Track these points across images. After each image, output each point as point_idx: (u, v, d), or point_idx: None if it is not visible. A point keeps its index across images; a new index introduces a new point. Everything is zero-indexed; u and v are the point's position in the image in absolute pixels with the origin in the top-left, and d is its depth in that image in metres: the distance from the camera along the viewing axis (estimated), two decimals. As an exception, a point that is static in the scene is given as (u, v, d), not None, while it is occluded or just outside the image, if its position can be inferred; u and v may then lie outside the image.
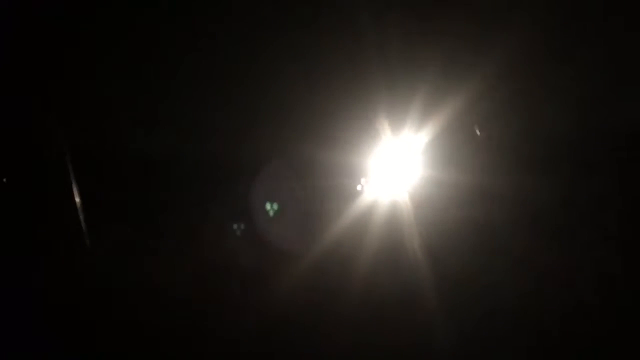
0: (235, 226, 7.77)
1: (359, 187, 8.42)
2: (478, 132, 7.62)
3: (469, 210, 7.84)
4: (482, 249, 7.49)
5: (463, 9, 7.29)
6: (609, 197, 7.55)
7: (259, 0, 7.72)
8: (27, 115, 7.01)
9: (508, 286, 6.97)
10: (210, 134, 7.70)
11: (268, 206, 7.99)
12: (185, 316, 6.61)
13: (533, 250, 7.18)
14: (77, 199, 7.04)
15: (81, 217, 6.99)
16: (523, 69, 7.67)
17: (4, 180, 6.99)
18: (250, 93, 7.98)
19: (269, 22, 7.82)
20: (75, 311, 6.41)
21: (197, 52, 7.46)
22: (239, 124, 7.75)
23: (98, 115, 7.31)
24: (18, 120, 7.02)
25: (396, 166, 8.21)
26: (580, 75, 7.53)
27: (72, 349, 6.15)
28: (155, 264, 6.93)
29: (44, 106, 7.06)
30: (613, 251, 7.18)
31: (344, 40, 7.78)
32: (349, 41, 7.77)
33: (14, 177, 7.19)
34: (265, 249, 7.55)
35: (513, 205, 7.77)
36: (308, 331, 6.59)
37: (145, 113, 7.46)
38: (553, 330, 6.43)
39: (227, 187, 7.94)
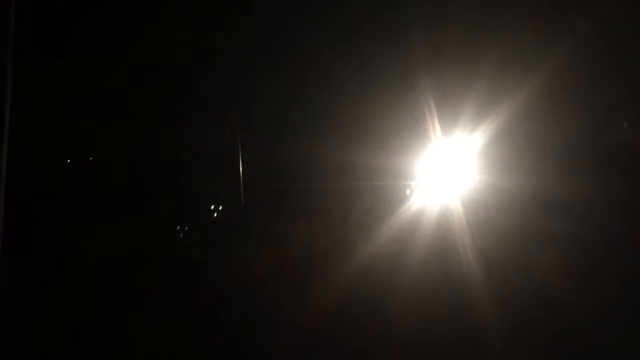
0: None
1: (408, 191, 8.23)
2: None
3: (525, 217, 7.56)
4: (539, 256, 7.21)
5: (520, 7, 7.12)
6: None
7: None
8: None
9: (564, 294, 6.69)
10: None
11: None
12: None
13: (591, 258, 6.87)
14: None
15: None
16: (585, 72, 7.42)
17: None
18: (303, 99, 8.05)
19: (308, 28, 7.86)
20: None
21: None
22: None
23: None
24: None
25: (448, 170, 8.01)
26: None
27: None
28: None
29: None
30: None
31: (391, 38, 7.71)
32: (396, 39, 7.70)
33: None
34: (314, 250, 7.49)
35: (572, 212, 7.47)
36: (355, 333, 6.49)
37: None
38: (613, 339, 6.11)
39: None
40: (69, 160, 7.89)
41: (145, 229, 7.51)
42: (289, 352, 6.34)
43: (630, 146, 7.64)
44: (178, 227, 7.70)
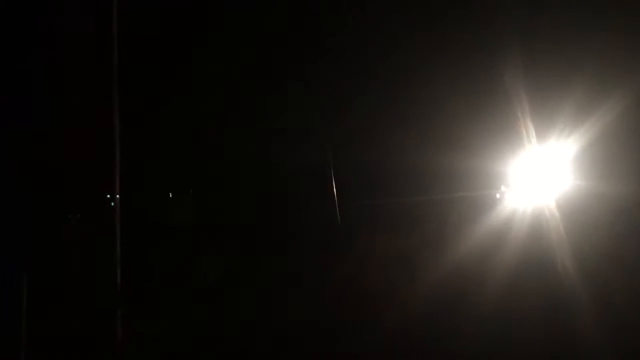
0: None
1: (498, 196, 7.94)
2: None
3: (625, 224, 7.14)
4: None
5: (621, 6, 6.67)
6: None
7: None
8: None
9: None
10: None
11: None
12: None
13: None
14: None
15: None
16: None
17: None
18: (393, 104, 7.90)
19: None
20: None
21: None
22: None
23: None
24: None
25: (544, 175, 7.64)
26: None
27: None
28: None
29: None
30: None
31: (486, 35, 7.38)
32: (491, 37, 7.37)
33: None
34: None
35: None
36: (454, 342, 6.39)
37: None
38: None
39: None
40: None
41: (246, 250, 7.60)
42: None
43: None
44: (277, 249, 7.71)
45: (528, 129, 7.49)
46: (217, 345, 6.39)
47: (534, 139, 7.52)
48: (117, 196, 5.23)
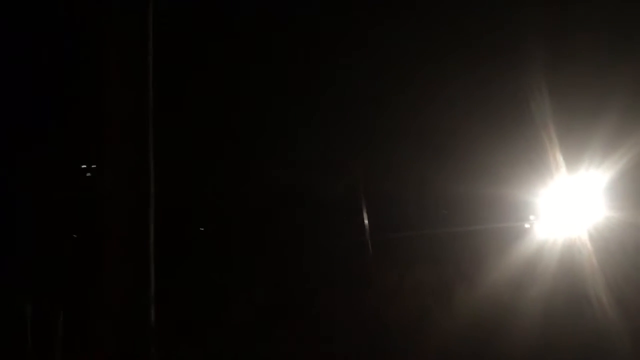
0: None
1: (527, 226, 7.83)
2: None
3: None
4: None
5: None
6: None
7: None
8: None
9: None
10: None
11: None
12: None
13: None
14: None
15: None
16: None
17: None
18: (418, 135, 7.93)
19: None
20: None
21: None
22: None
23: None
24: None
25: (572, 204, 7.51)
26: None
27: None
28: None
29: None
30: None
31: (514, 65, 7.37)
32: (519, 67, 7.35)
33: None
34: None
35: None
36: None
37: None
38: None
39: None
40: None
41: (277, 282, 7.64)
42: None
43: None
44: (308, 280, 7.72)
45: (557, 158, 7.40)
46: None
47: (563, 169, 7.42)
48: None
